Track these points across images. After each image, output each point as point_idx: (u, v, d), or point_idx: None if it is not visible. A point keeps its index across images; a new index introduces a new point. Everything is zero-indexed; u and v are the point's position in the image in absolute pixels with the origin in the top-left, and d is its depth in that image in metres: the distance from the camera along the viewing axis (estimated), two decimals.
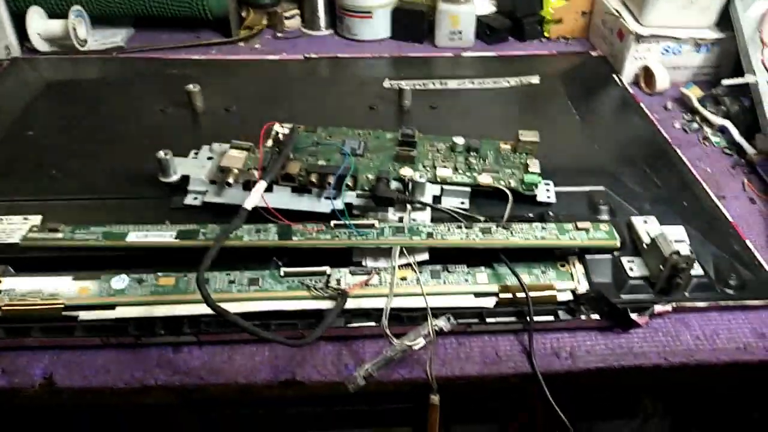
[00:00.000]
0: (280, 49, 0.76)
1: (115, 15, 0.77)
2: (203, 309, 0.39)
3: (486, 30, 0.77)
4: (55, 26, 0.73)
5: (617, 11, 0.70)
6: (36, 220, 0.45)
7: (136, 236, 0.43)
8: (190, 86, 0.58)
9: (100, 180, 0.50)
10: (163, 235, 0.43)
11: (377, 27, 0.78)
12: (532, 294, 0.41)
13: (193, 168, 0.48)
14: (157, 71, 0.68)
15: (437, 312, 0.40)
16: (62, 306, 0.40)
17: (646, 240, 0.44)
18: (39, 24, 0.74)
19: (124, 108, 0.60)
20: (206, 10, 0.75)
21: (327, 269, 0.42)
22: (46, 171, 0.50)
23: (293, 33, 0.81)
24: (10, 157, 0.53)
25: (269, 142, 0.49)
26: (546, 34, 0.78)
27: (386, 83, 0.64)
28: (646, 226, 0.45)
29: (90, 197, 0.48)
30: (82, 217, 0.45)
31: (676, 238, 0.43)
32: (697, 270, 0.43)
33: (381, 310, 0.40)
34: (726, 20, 0.66)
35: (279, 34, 0.80)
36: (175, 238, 0.43)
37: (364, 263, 0.43)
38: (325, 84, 0.68)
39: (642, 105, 0.64)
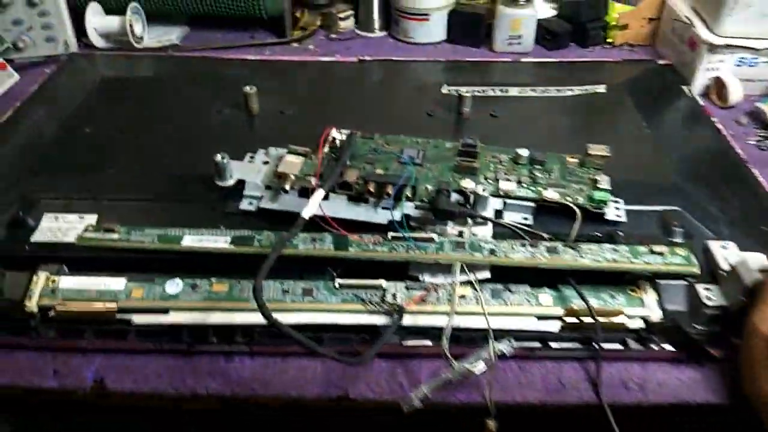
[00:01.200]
0: (334, 50, 0.75)
1: (170, 13, 0.77)
2: (257, 318, 0.38)
3: (546, 35, 0.74)
4: (113, 22, 0.74)
5: (688, 18, 0.66)
6: (92, 219, 0.45)
7: (191, 240, 0.42)
8: (247, 88, 0.57)
9: (156, 180, 0.49)
10: (218, 240, 0.42)
11: (433, 30, 0.76)
12: (600, 319, 0.38)
13: (249, 172, 0.47)
14: (212, 71, 0.67)
15: (498, 334, 0.38)
16: (116, 309, 0.40)
17: (724, 266, 0.41)
18: (97, 20, 0.74)
19: (179, 108, 0.60)
20: (261, 9, 0.75)
21: (383, 283, 0.41)
22: (102, 169, 0.50)
23: (347, 34, 0.80)
24: (66, 153, 0.53)
25: (326, 148, 0.47)
26: (610, 41, 0.75)
27: (444, 89, 0.62)
28: (725, 252, 0.42)
29: (146, 198, 0.47)
30: (137, 217, 0.45)
31: (760, 267, 0.40)
32: None
33: (437, 328, 0.39)
34: None
35: (333, 35, 0.79)
36: (230, 243, 0.42)
37: (421, 278, 0.41)
38: (380, 88, 0.67)
39: (713, 119, 0.60)
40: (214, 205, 0.46)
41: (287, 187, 0.44)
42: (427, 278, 0.41)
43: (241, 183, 0.46)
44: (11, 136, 0.57)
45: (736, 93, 0.63)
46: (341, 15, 0.79)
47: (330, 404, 0.38)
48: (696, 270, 0.40)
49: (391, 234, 0.42)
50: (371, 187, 0.44)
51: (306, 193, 0.44)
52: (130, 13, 0.73)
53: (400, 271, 0.42)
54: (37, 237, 0.43)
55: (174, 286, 0.41)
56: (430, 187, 0.45)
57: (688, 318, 0.40)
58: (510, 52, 0.74)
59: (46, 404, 0.45)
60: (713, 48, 0.63)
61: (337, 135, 0.48)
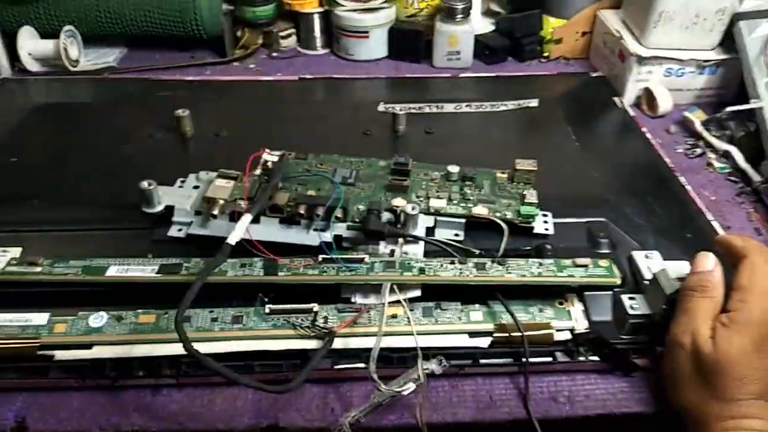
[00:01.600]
0: (276, 68, 0.75)
1: (107, 34, 0.75)
2: (183, 349, 0.38)
3: (485, 50, 0.75)
4: (47, 46, 0.72)
5: (618, 31, 0.68)
6: (15, 252, 0.44)
7: (117, 270, 0.41)
8: (179, 111, 0.56)
9: (84, 210, 0.48)
10: (145, 270, 0.41)
11: (374, 47, 0.76)
12: (528, 333, 0.39)
13: (178, 198, 0.46)
14: (148, 93, 0.66)
15: (429, 352, 0.38)
16: (38, 345, 0.39)
17: (648, 276, 0.42)
18: (30, 44, 0.73)
19: (111, 133, 0.58)
20: (200, 29, 0.74)
21: (314, 306, 0.40)
22: (27, 200, 0.49)
23: (289, 52, 0.79)
24: None
25: (258, 171, 0.47)
26: (546, 55, 0.77)
27: (381, 107, 0.63)
28: (648, 261, 0.43)
29: (72, 228, 0.46)
30: (64, 248, 0.43)
31: (679, 275, 0.41)
32: None
33: (370, 350, 0.38)
34: (730, 41, 0.64)
35: (275, 54, 0.79)
36: (157, 273, 0.41)
37: (353, 300, 0.41)
38: (319, 107, 0.67)
39: (644, 129, 0.62)
40: (143, 233, 0.45)
41: (216, 212, 0.43)
42: (359, 299, 0.41)
43: (170, 209, 0.46)
44: None
45: (665, 103, 0.65)
46: (283, 33, 0.79)
47: None
48: (617, 280, 0.41)
49: (321, 256, 0.41)
50: (302, 209, 0.43)
51: (236, 217, 0.44)
52: (64, 37, 0.71)
53: (332, 293, 0.41)
54: None
55: (98, 319, 0.40)
56: (361, 207, 0.45)
57: (614, 328, 0.40)
58: (450, 67, 0.75)
59: None
60: (641, 59, 0.65)
61: (270, 157, 0.48)
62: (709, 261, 0.38)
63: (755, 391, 0.33)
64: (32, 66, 0.73)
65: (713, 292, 0.36)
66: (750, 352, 0.34)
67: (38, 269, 0.42)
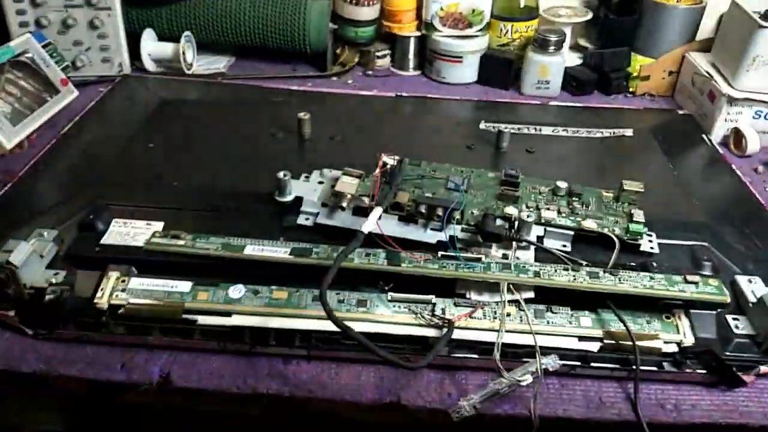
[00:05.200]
0: (371, 86, 0.80)
1: (221, 42, 0.81)
2: (315, 324, 0.41)
3: (572, 81, 0.79)
4: (167, 49, 0.78)
5: (708, 73, 0.71)
6: (158, 226, 0.48)
7: (253, 249, 0.45)
8: (302, 114, 0.61)
9: (218, 194, 0.52)
10: (278, 251, 0.45)
11: (466, 71, 0.80)
12: (639, 343, 0.41)
13: (306, 190, 0.50)
14: (261, 98, 0.71)
15: (542, 351, 0.41)
16: (182, 308, 0.42)
17: (751, 299, 0.44)
18: (150, 45, 0.79)
19: (237, 129, 0.63)
20: (306, 44, 0.79)
21: (432, 298, 0.43)
22: (166, 181, 0.53)
23: (383, 72, 0.84)
24: (133, 167, 0.56)
25: (377, 171, 0.51)
26: (631, 90, 0.80)
27: (482, 125, 0.66)
28: (752, 286, 0.45)
29: (209, 209, 0.50)
30: (201, 227, 0.47)
31: None
32: None
33: (483, 343, 0.41)
34: None
35: (369, 72, 0.84)
36: (290, 254, 0.45)
37: (468, 296, 0.44)
38: (419, 121, 0.71)
39: (733, 166, 0.64)
40: (273, 220, 0.49)
41: (344, 205, 0.47)
42: (473, 296, 0.44)
43: (298, 200, 0.50)
44: (74, 146, 0.60)
45: (753, 143, 0.67)
46: (379, 53, 0.84)
47: (383, 409, 0.40)
48: (727, 299, 0.43)
49: (441, 252, 0.44)
50: (422, 209, 0.47)
51: (360, 211, 0.48)
52: (183, 41, 0.77)
53: (447, 288, 0.44)
54: (107, 240, 0.46)
55: (237, 291, 0.43)
56: (475, 212, 0.48)
57: (719, 345, 0.42)
58: (537, 95, 0.78)
59: (103, 406, 0.47)
60: (732, 101, 0.67)
61: (388, 160, 0.51)
62: None
63: None
64: (150, 66, 0.79)
65: None
66: None
67: (182, 242, 0.46)
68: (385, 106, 0.72)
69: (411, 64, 0.84)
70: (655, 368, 0.41)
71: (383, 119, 0.69)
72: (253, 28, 0.79)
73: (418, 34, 0.82)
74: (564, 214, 0.49)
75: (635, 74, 0.79)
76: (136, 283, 0.44)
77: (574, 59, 0.82)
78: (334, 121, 0.66)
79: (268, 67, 0.82)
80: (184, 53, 0.77)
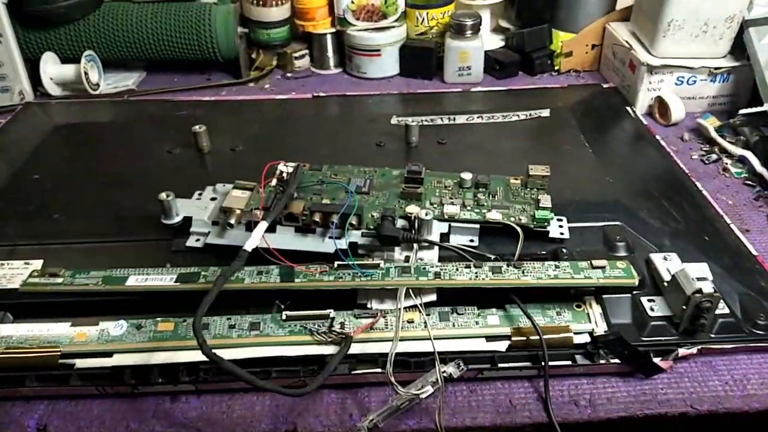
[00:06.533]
0: (290, 88, 0.76)
1: (127, 59, 0.78)
2: (202, 356, 0.38)
3: (495, 65, 0.76)
4: (68, 71, 0.74)
5: (627, 42, 0.69)
6: (37, 264, 0.45)
7: (136, 280, 0.42)
8: (196, 127, 0.57)
9: (104, 223, 0.49)
10: (164, 279, 0.42)
11: (386, 65, 0.77)
12: (546, 336, 0.39)
13: (195, 209, 0.47)
14: (166, 113, 0.68)
15: (446, 357, 0.38)
16: (59, 354, 0.39)
17: (667, 278, 0.42)
18: (52, 69, 0.75)
19: (131, 150, 0.60)
20: (216, 52, 0.76)
21: (331, 312, 0.40)
22: (49, 214, 0.50)
23: (303, 73, 0.81)
24: (14, 201, 0.53)
25: (273, 182, 0.48)
26: (556, 68, 0.77)
27: (393, 120, 0.63)
28: (667, 263, 0.43)
29: (93, 240, 0.47)
30: (85, 260, 0.44)
31: (699, 276, 0.41)
32: (722, 309, 0.40)
33: (387, 355, 0.38)
34: (741, 49, 0.64)
35: (288, 74, 0.80)
36: (176, 281, 0.42)
37: (369, 305, 0.41)
38: (333, 122, 0.68)
39: (657, 137, 0.62)
40: (162, 244, 0.46)
41: (232, 221, 0.44)
42: (375, 305, 0.41)
43: (188, 220, 0.46)
44: None
45: (677, 111, 0.65)
46: (296, 54, 0.81)
47: None
48: (635, 281, 0.40)
49: (337, 263, 0.42)
50: (317, 218, 0.44)
51: (252, 227, 0.45)
52: (84, 61, 0.73)
53: (348, 299, 0.42)
54: None
55: (118, 328, 0.40)
56: (376, 215, 0.45)
57: (634, 330, 0.40)
58: (461, 82, 0.75)
59: None
60: (652, 69, 0.65)
61: (285, 168, 0.48)
62: None
63: None
64: (54, 90, 0.75)
65: None
66: None
67: (59, 280, 0.42)
68: (300, 110, 0.69)
69: (331, 62, 0.81)
70: (568, 362, 0.39)
71: (297, 124, 0.66)
72: (158, 41, 0.75)
73: (333, 30, 0.79)
74: (469, 207, 0.46)
75: (558, 51, 0.77)
76: (9, 329, 0.40)
77: (497, 42, 0.80)
78: (243, 130, 0.63)
79: (181, 79, 0.79)
80: (86, 73, 0.73)
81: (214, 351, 0.35)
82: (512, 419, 0.37)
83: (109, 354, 0.39)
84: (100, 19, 0.75)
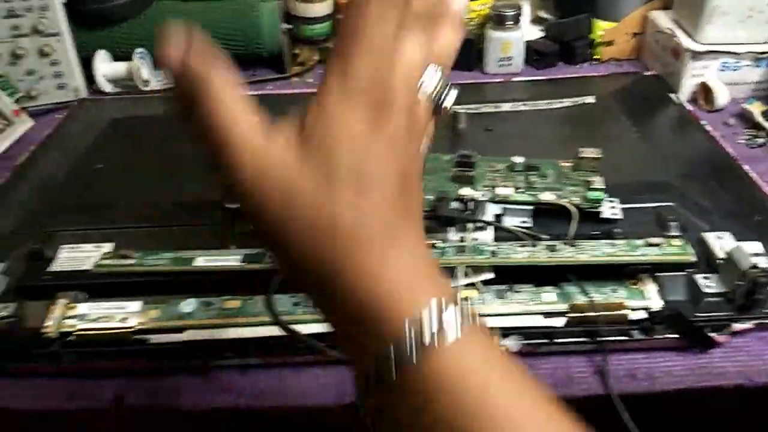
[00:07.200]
0: None
1: None
2: (270, 331, 0.40)
3: (535, 55, 0.77)
4: (120, 68, 0.77)
5: (670, 29, 0.69)
6: (108, 247, 0.47)
7: (204, 261, 0.44)
8: None
9: (168, 209, 0.51)
10: (230, 259, 0.44)
11: None
12: (603, 313, 0.39)
13: None
14: None
15: (505, 332, 0.39)
16: (133, 330, 0.41)
17: (721, 255, 0.42)
18: (104, 67, 0.78)
19: (186, 142, 0.62)
20: (261, 48, 0.78)
21: None
22: (115, 201, 0.52)
23: None
24: (80, 190, 0.55)
25: None
26: (597, 57, 0.78)
27: None
28: (720, 242, 0.43)
29: (158, 225, 0.49)
30: (152, 244, 0.46)
31: (754, 252, 0.41)
32: None
33: None
34: None
35: None
36: (242, 261, 0.44)
37: None
38: None
39: (702, 122, 0.62)
40: (225, 227, 0.48)
41: None
42: None
43: None
44: (28, 177, 0.59)
45: (722, 96, 0.65)
46: None
47: (345, 411, 0.39)
48: (692, 258, 0.41)
49: None
50: None
51: None
52: (136, 59, 0.76)
53: None
54: (55, 267, 0.45)
55: (188, 305, 0.42)
56: (430, 197, 0.47)
57: (690, 307, 0.41)
58: (501, 73, 0.76)
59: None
60: (696, 55, 0.65)
61: None
62: None
63: None
64: (106, 87, 0.78)
65: None
66: None
67: (130, 261, 0.45)
68: None
69: None
70: (625, 338, 0.40)
71: None
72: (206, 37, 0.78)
73: None
74: (521, 190, 0.47)
75: (599, 41, 0.77)
76: (86, 308, 0.42)
77: (536, 32, 0.80)
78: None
79: None
80: (138, 70, 0.76)
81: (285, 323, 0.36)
82: (571, 391, 0.38)
83: (179, 330, 0.41)
84: (151, 18, 0.77)
